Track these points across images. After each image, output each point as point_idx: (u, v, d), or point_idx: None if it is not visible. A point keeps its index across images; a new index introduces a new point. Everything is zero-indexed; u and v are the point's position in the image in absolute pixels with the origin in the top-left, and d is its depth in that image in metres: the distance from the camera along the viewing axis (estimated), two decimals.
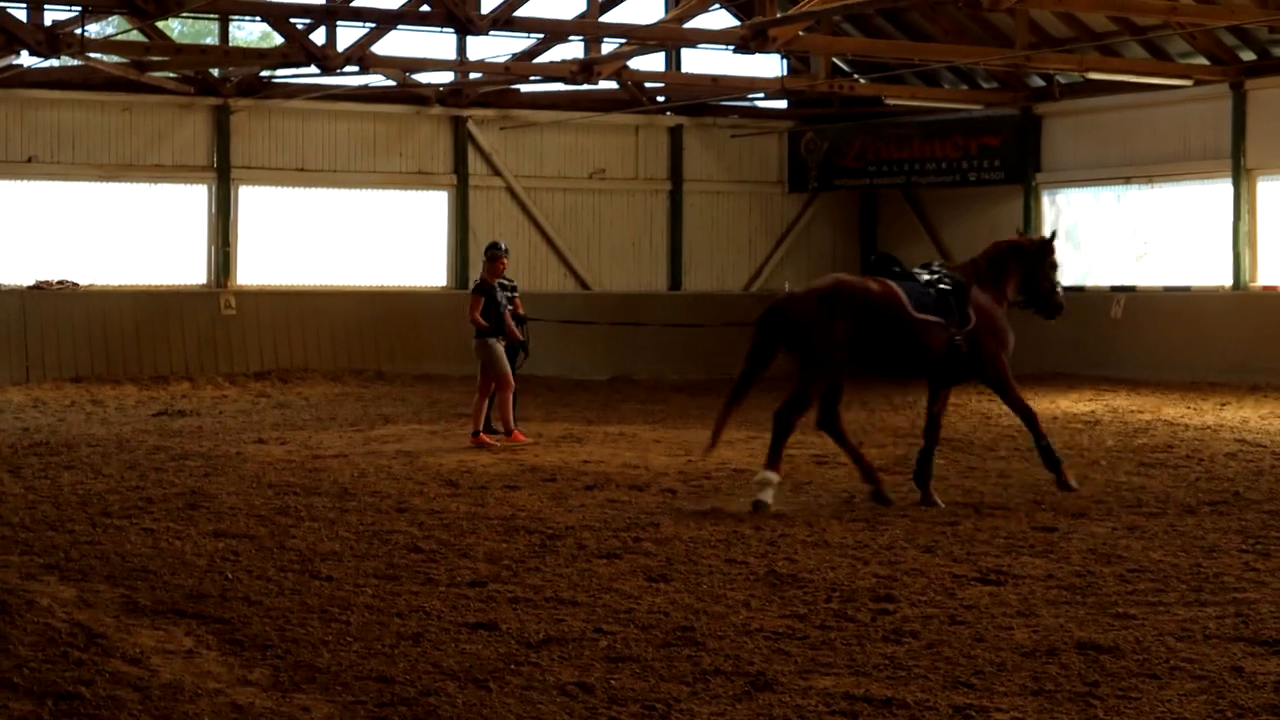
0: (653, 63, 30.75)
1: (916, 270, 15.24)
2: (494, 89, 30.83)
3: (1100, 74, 27.42)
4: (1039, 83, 30.80)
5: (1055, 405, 24.18)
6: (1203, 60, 27.70)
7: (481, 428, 19.46)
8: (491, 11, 24.34)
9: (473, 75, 29.47)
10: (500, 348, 19.63)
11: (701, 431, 20.70)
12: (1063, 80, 29.91)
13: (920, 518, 13.54)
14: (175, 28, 34.74)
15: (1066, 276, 30.70)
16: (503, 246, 20.18)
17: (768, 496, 13.90)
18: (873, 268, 15.38)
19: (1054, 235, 16.73)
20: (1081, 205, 30.98)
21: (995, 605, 10.02)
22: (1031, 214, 31.27)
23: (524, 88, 31.38)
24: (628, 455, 18.17)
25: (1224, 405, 23.48)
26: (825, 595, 10.34)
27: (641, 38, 25.88)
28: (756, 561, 11.51)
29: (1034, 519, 13.46)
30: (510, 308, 20.13)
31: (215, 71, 29.58)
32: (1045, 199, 31.39)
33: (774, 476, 14.08)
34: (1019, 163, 31.16)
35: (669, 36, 26.68)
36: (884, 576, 10.95)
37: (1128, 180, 29.77)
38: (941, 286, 14.90)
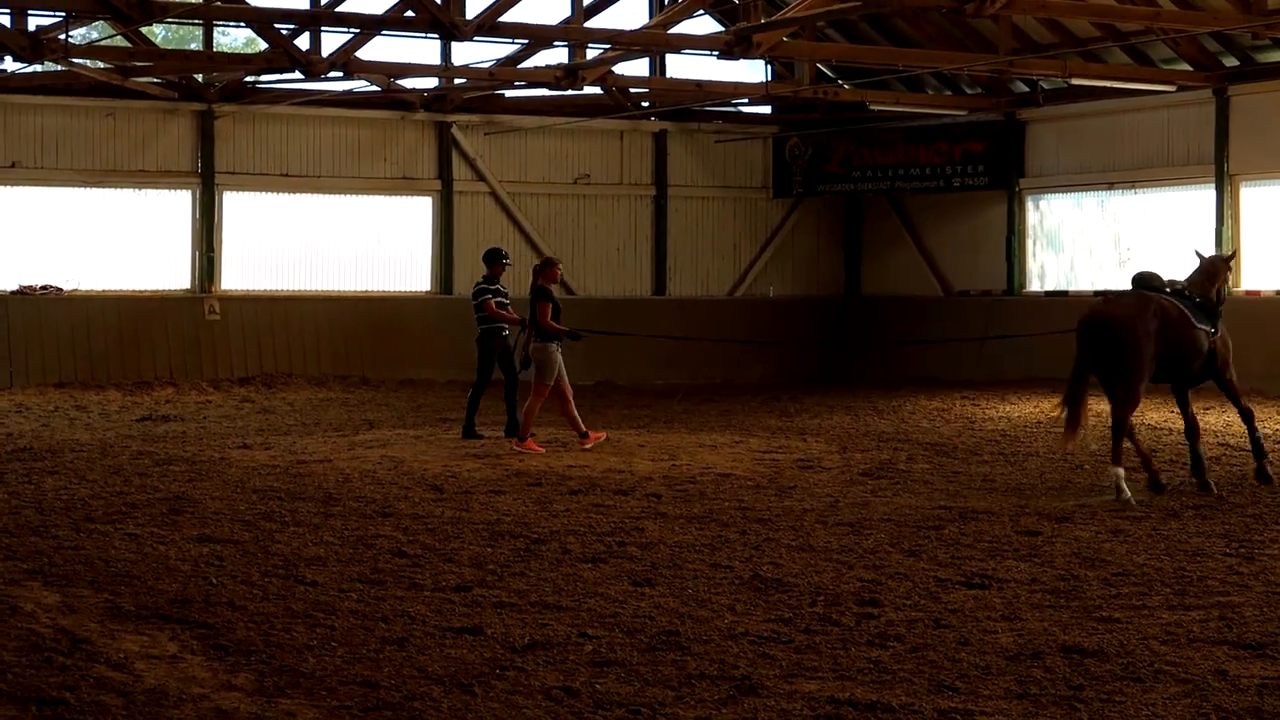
0: (637, 68, 30.75)
1: (1172, 283, 16.82)
2: (478, 94, 30.81)
3: (1083, 79, 27.45)
4: (1023, 88, 30.84)
5: (1039, 409, 24.20)
6: (1186, 66, 27.74)
7: (526, 434, 19.43)
8: (476, 17, 24.35)
9: (457, 81, 29.45)
10: (559, 354, 19.59)
11: (687, 436, 20.73)
12: (1046, 86, 29.95)
13: (905, 522, 13.55)
14: (159, 33, 34.67)
15: (1050, 281, 30.92)
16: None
17: (1125, 487, 14.90)
18: (1140, 283, 16.70)
19: (1234, 254, 18.41)
20: (1065, 210, 31.02)
21: (980, 609, 10.04)
22: (1015, 219, 31.31)
23: (509, 93, 31.35)
24: (612, 460, 18.16)
25: (1207, 409, 23.49)
26: (810, 599, 10.35)
27: (626, 43, 25.88)
28: (741, 566, 11.51)
29: (1018, 523, 13.48)
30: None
31: (199, 77, 29.56)
32: (1029, 204, 31.43)
33: (1120, 471, 15.08)
34: (1003, 168, 31.20)
35: (653, 42, 26.68)
36: (869, 581, 10.96)
37: (1111, 185, 29.82)
38: (1198, 300, 16.42)
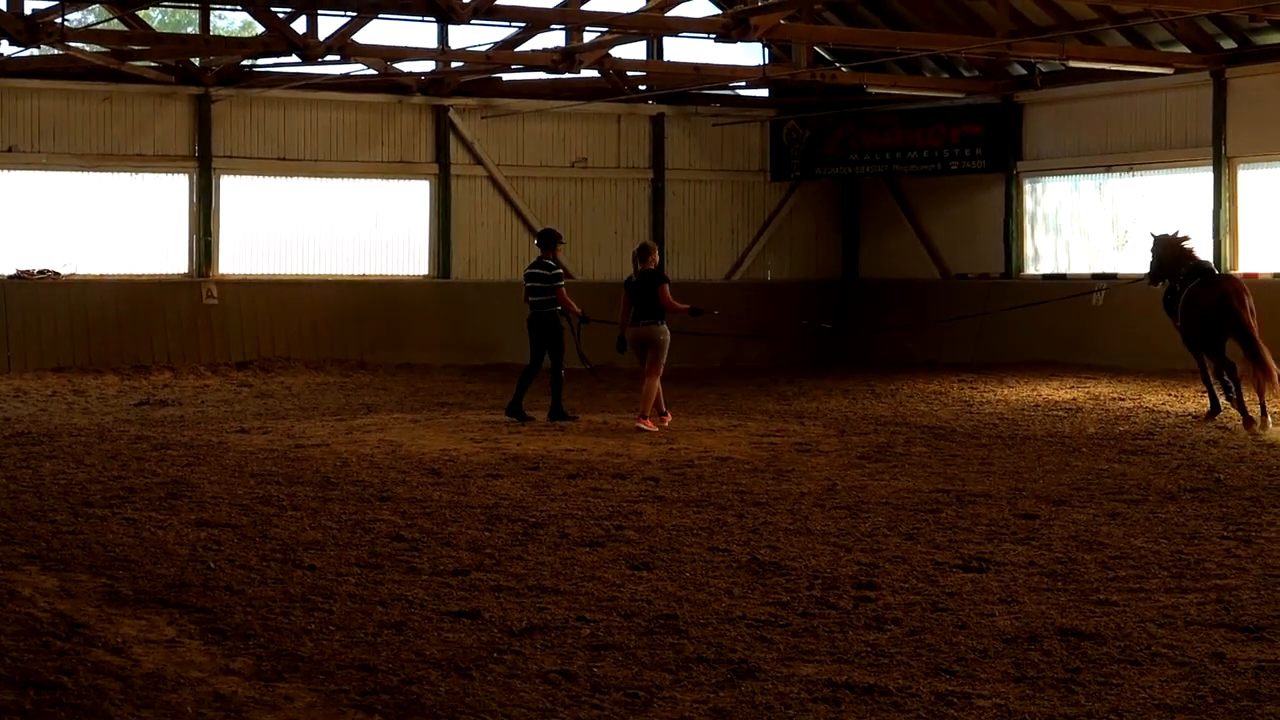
0: (634, 51, 30.72)
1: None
2: (475, 78, 30.79)
3: (1081, 62, 27.42)
4: (1020, 71, 30.82)
5: (1037, 392, 24.22)
6: (1183, 48, 27.72)
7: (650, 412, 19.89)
8: (473, 0, 24.31)
9: (454, 64, 29.43)
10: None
11: (686, 420, 20.72)
12: (1044, 68, 29.91)
13: (902, 505, 13.56)
14: (155, 17, 34.66)
15: (1047, 264, 30.91)
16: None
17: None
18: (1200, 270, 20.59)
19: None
20: (1062, 193, 31.01)
21: (977, 592, 10.05)
22: (1013, 202, 31.31)
23: (506, 76, 31.33)
24: (610, 444, 18.16)
25: (1205, 392, 23.50)
26: (807, 583, 10.35)
27: (623, 26, 25.86)
28: (739, 549, 11.52)
29: (1016, 506, 13.49)
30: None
31: (196, 61, 29.51)
32: (1026, 187, 31.43)
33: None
34: (1000, 151, 31.19)
35: (650, 25, 26.66)
36: (866, 564, 10.97)
37: (1109, 168, 29.81)
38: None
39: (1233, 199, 27.63)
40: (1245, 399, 19.55)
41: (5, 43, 24.79)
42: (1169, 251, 21.00)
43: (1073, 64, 27.74)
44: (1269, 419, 19.22)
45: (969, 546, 11.63)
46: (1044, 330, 29.74)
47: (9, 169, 28.69)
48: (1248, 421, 19.21)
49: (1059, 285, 29.85)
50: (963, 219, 32.52)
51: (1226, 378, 19.82)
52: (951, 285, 32.36)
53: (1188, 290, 20.20)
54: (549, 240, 21.42)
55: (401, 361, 29.48)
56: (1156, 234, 21.40)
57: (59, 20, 23.96)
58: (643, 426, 19.51)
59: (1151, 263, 21.40)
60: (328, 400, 23.72)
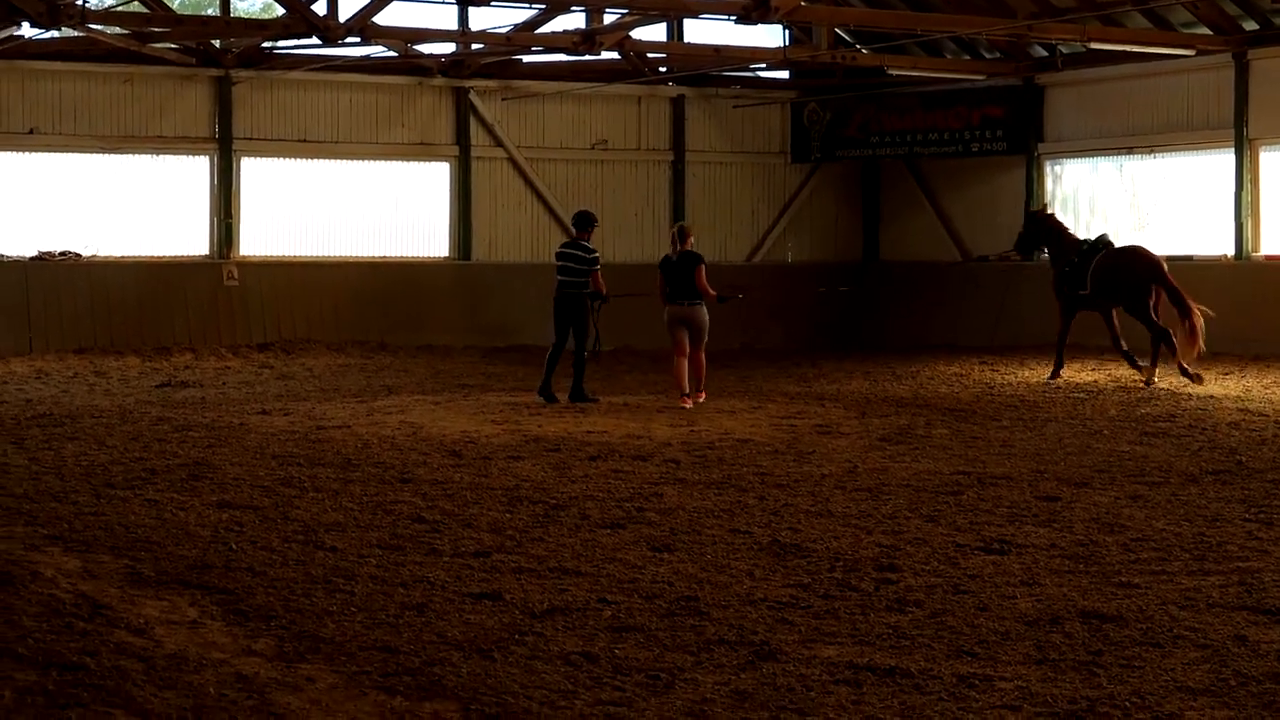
0: (655, 33, 30.67)
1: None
2: (496, 60, 30.77)
3: (1103, 44, 27.31)
4: (1041, 53, 30.71)
5: (1061, 374, 24.15)
6: (1205, 30, 27.62)
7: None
8: None
9: (474, 46, 29.40)
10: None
11: (707, 402, 20.70)
12: (1065, 50, 29.81)
13: (923, 488, 13.55)
14: None
15: None
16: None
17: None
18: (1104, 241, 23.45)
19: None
20: (1083, 175, 30.93)
21: (999, 574, 10.04)
22: (1034, 184, 31.22)
23: (526, 58, 31.30)
24: (631, 425, 18.16)
25: (1226, 374, 23.49)
26: (829, 565, 10.35)
27: (643, 8, 25.81)
28: (760, 531, 11.52)
29: (1037, 488, 13.48)
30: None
31: (217, 43, 29.52)
32: (1047, 169, 31.34)
33: None
34: (1021, 133, 31.11)
35: (671, 6, 26.61)
36: (887, 546, 10.97)
37: (1130, 150, 29.71)
38: None
39: (1254, 181, 27.54)
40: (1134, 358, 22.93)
41: (27, 25, 24.82)
42: (1045, 226, 24.40)
43: (1094, 45, 27.62)
44: (1192, 375, 22.03)
45: (990, 529, 11.62)
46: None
47: (31, 151, 28.74)
48: (1148, 372, 22.51)
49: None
50: (983, 201, 32.44)
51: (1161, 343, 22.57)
52: (972, 267, 32.28)
53: (1100, 259, 22.94)
54: (587, 222, 21.56)
55: (422, 343, 29.49)
56: (1032, 210, 25.19)
57: (80, 2, 23.98)
58: (692, 402, 20.26)
59: (1024, 235, 24.86)
60: (349, 382, 23.74)
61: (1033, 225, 24.81)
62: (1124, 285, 22.78)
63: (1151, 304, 22.56)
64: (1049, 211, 24.96)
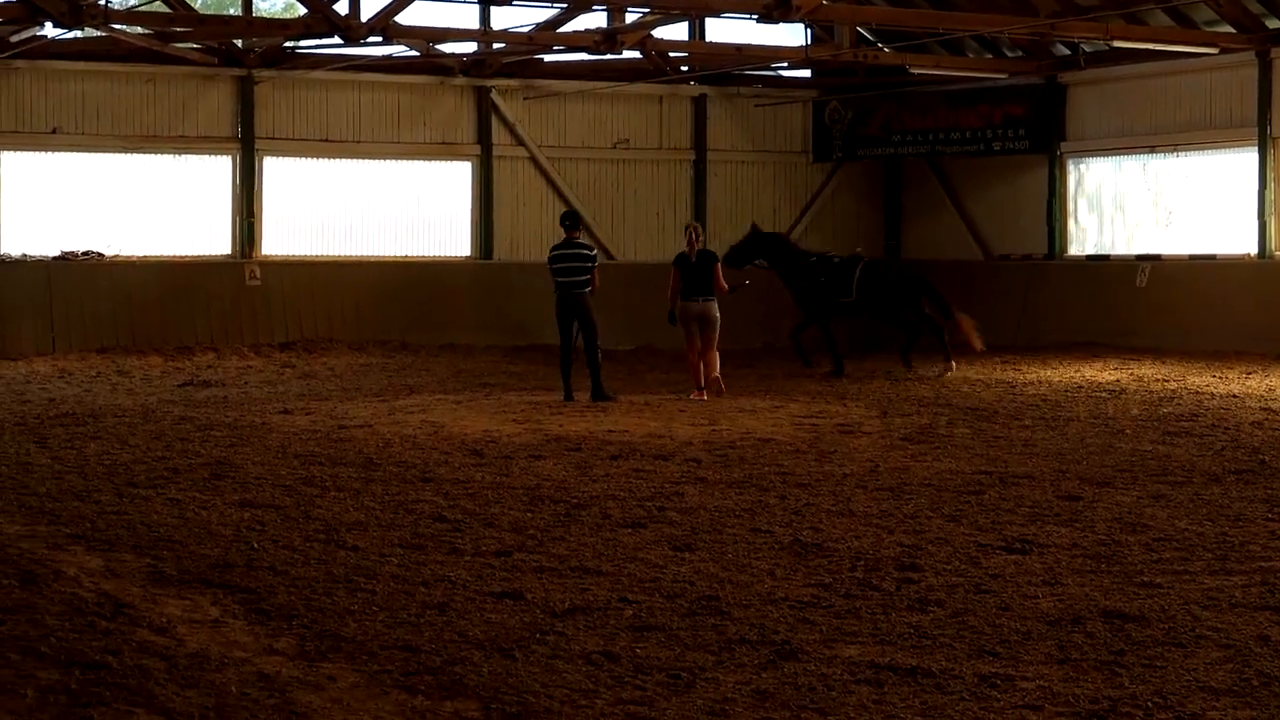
0: (676, 32, 30.68)
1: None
2: (518, 59, 30.78)
3: (1125, 42, 27.25)
4: (1064, 51, 30.66)
5: (1080, 374, 24.15)
6: (1228, 28, 27.54)
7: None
8: None
9: (496, 45, 29.43)
10: None
11: (728, 401, 20.72)
12: (1088, 48, 29.76)
13: (945, 487, 13.53)
14: None
15: (1091, 245, 30.77)
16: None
17: None
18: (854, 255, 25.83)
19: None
20: (1106, 174, 30.86)
21: (1020, 574, 10.02)
22: (1056, 183, 31.18)
23: (548, 57, 31.32)
24: (653, 425, 18.17)
25: (1249, 374, 23.44)
26: (850, 564, 10.34)
27: (665, 7, 25.80)
28: (781, 531, 11.51)
29: (1059, 488, 13.45)
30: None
31: (239, 42, 29.58)
32: (1070, 168, 31.29)
33: None
34: (1044, 132, 31.05)
35: (692, 6, 26.61)
36: (909, 545, 10.95)
37: (1153, 149, 29.63)
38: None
39: (1278, 179, 27.44)
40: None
41: (50, 25, 24.87)
42: (769, 240, 26.15)
43: (1117, 44, 27.57)
44: (952, 364, 24.57)
45: (1012, 528, 11.60)
46: (1087, 312, 29.65)
47: (53, 150, 28.82)
48: (906, 365, 24.89)
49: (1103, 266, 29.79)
50: (1005, 200, 32.40)
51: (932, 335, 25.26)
52: (994, 266, 32.24)
53: (866, 268, 25.44)
54: (578, 221, 21.99)
55: (444, 342, 29.50)
56: (757, 225, 26.43)
57: (103, 2, 24.03)
58: (706, 395, 21.00)
59: (746, 247, 25.95)
60: (370, 381, 23.77)
61: (754, 239, 26.06)
62: (893, 295, 25.44)
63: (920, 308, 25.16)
64: (774, 231, 27.09)
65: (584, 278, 21.08)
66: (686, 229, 22.16)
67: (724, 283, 21.55)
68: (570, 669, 7.85)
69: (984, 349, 25.37)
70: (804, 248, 27.12)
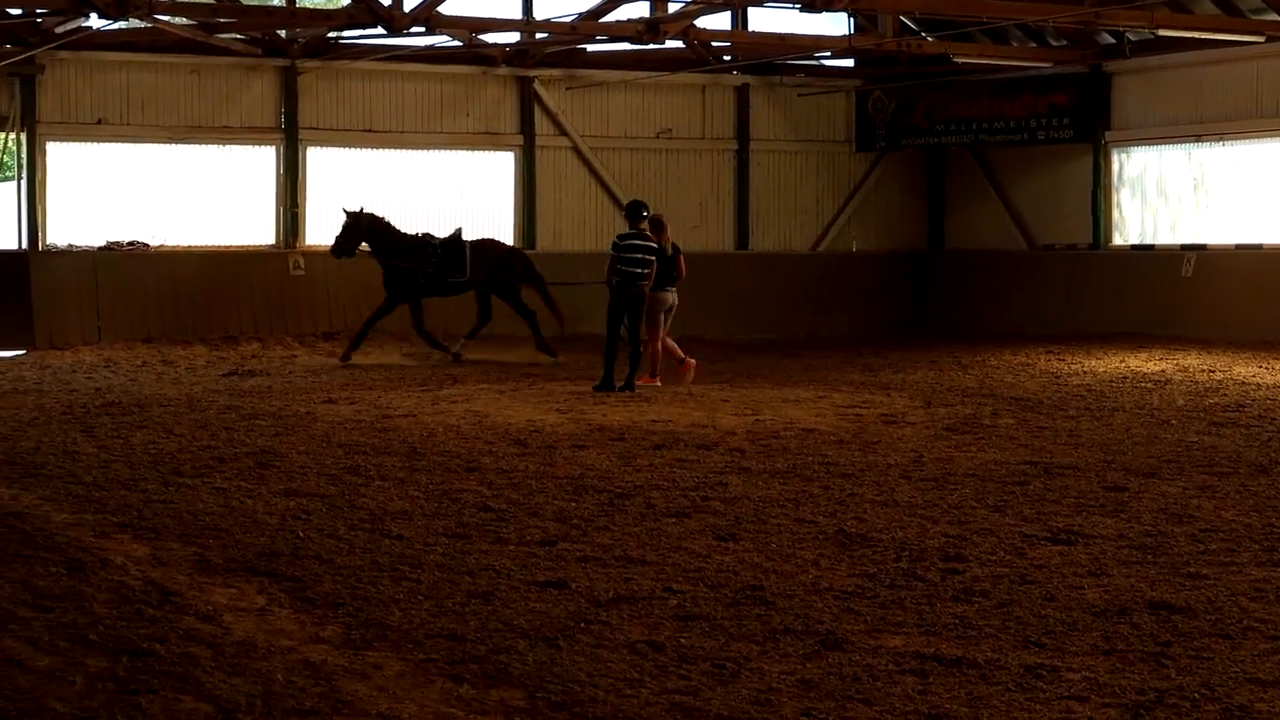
0: (719, 21, 30.65)
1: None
2: (560, 49, 30.78)
3: (1171, 31, 27.13)
4: (1109, 40, 30.54)
5: (1125, 364, 24.05)
6: (1274, 16, 27.39)
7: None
8: None
9: (539, 35, 29.45)
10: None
11: (770, 391, 20.71)
12: (1133, 37, 29.64)
13: (989, 477, 13.49)
14: None
15: (1135, 235, 30.64)
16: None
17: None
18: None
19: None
20: (1151, 163, 30.72)
21: (1066, 565, 9.99)
22: (1100, 172, 31.05)
23: (590, 47, 31.29)
24: (696, 414, 18.16)
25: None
26: (894, 554, 10.33)
27: None
28: (825, 521, 11.50)
29: (1104, 478, 13.41)
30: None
31: (282, 33, 29.64)
32: (1115, 157, 31.16)
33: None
34: (1088, 121, 30.92)
35: None
36: (953, 536, 10.93)
37: (1198, 138, 29.50)
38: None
39: None
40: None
41: (95, 16, 24.98)
42: (369, 225, 25.71)
43: (1162, 32, 27.47)
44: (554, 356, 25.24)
45: (1057, 519, 11.56)
46: (1132, 301, 29.56)
47: (98, 141, 28.93)
48: (456, 356, 25.38)
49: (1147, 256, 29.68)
50: (1049, 189, 32.29)
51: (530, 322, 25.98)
52: (1038, 256, 32.15)
53: (479, 248, 26.02)
54: (644, 212, 21.53)
55: (487, 333, 29.47)
56: (351, 210, 25.83)
57: None
58: (651, 385, 21.29)
59: (348, 234, 25.71)
60: (413, 371, 23.81)
61: (353, 225, 25.73)
62: (499, 273, 26.00)
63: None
64: (369, 211, 26.02)
65: (646, 270, 21.00)
66: (656, 219, 21.80)
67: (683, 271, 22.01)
68: (615, 658, 7.86)
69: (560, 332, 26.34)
70: (401, 230, 26.52)
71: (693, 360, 22.10)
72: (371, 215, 25.81)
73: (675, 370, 21.94)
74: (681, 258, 21.86)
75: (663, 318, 21.74)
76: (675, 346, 22.21)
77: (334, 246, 25.72)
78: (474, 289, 26.10)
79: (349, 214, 25.68)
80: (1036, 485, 13.09)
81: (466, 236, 26.33)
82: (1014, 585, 9.44)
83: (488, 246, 26.48)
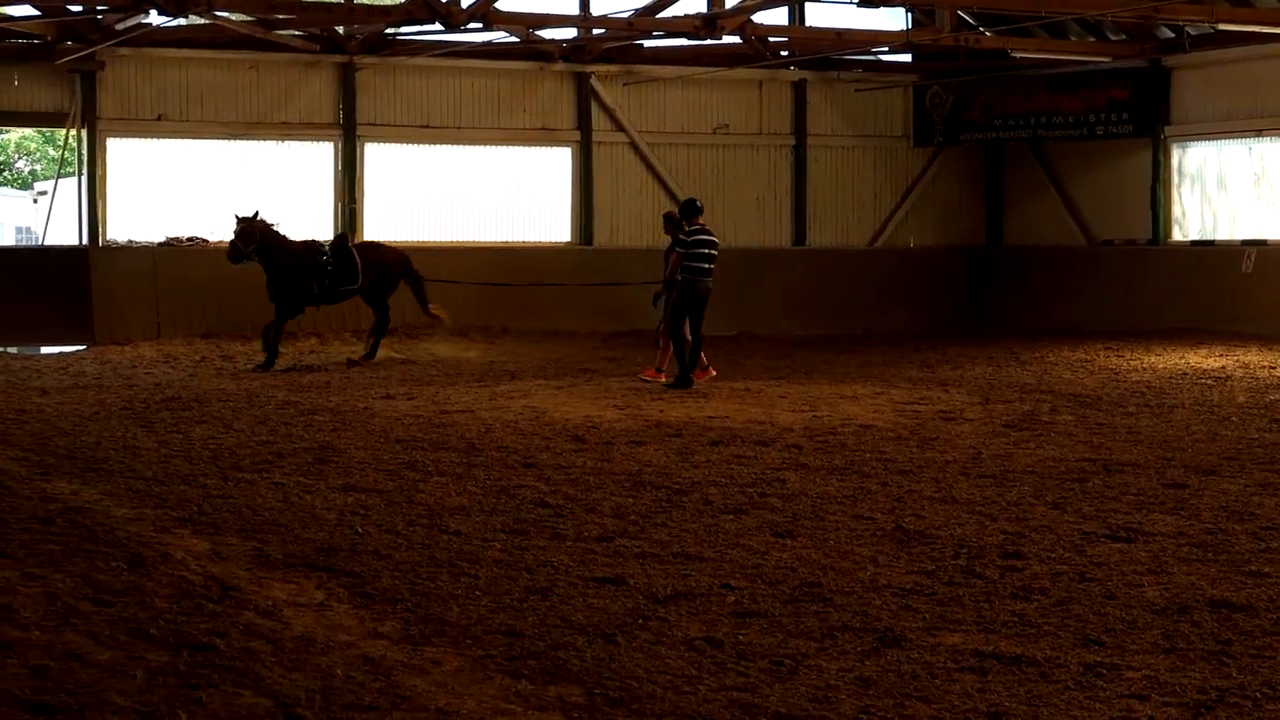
0: (776, 17, 30.60)
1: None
2: (617, 44, 30.79)
3: (1231, 24, 26.95)
4: (1168, 34, 30.35)
5: (1184, 360, 23.92)
6: None
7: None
8: None
9: (596, 31, 29.46)
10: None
11: (828, 387, 20.68)
12: (1192, 31, 29.44)
13: (1048, 474, 13.43)
14: None
15: (1195, 230, 30.45)
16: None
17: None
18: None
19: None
20: (1211, 158, 30.54)
21: (1125, 562, 9.94)
22: (1160, 167, 30.87)
23: (647, 43, 31.30)
24: (753, 411, 18.14)
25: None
26: (953, 552, 10.30)
27: None
28: (883, 517, 11.48)
29: (1164, 475, 13.34)
30: None
31: (340, 29, 29.74)
32: (1174, 152, 30.97)
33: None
34: (1147, 115, 30.74)
35: None
36: (1012, 533, 10.89)
37: (1259, 133, 29.29)
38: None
39: None
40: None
41: (154, 13, 25.11)
42: (261, 232, 24.09)
43: (1222, 26, 27.27)
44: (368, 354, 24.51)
45: (1116, 516, 11.51)
46: (1191, 297, 29.39)
47: (158, 137, 29.10)
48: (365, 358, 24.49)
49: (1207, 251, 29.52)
50: (1108, 184, 32.12)
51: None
52: (1097, 251, 31.99)
53: (366, 253, 25.02)
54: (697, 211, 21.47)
55: (544, 328, 29.55)
56: (244, 215, 24.17)
57: None
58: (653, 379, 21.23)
59: (247, 241, 23.97)
60: (471, 367, 23.87)
61: (249, 229, 24.07)
62: (388, 276, 25.08)
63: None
64: (261, 218, 24.30)
65: (712, 266, 20.98)
66: (671, 215, 22.09)
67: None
68: (673, 655, 7.87)
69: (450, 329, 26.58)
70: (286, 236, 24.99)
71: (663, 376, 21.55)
72: (264, 222, 24.26)
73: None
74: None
75: (703, 311, 21.50)
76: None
77: (231, 252, 24.20)
78: (364, 295, 25.09)
79: (242, 219, 24.06)
80: (1096, 482, 13.04)
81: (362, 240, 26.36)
82: (1073, 583, 9.40)
83: (372, 251, 25.49)
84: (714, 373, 21.48)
